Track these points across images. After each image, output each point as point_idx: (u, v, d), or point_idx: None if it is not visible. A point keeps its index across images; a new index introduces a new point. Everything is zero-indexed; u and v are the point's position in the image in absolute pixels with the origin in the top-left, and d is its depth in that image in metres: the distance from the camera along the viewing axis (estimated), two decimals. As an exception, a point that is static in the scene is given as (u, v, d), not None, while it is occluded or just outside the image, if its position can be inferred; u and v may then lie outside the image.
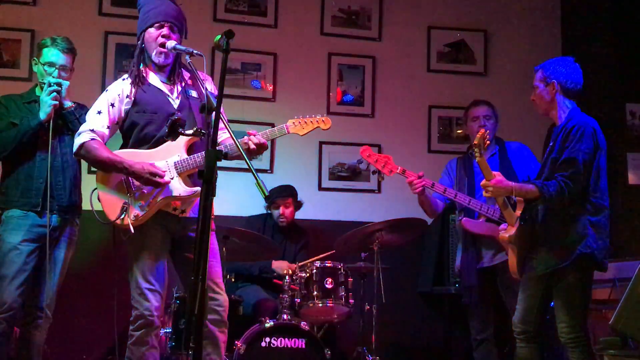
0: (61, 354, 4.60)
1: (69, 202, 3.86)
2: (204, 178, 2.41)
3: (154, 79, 3.41)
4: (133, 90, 3.35)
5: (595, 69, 5.80)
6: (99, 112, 3.33)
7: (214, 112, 2.56)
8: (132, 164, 3.21)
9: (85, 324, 4.95)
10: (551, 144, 3.67)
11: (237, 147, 2.85)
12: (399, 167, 4.24)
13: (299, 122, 3.52)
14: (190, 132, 3.22)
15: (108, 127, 3.33)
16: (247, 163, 2.75)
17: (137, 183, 3.26)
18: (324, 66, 5.84)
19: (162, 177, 3.22)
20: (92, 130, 3.29)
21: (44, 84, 3.80)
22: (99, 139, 3.29)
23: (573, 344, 3.50)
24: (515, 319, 3.72)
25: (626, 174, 5.68)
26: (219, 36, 2.65)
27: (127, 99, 3.34)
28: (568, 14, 6.19)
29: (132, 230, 3.19)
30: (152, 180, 3.20)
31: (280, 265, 4.88)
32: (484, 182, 3.67)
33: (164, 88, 3.40)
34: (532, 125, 5.66)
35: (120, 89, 3.36)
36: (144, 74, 3.39)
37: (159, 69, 3.41)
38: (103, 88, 5.31)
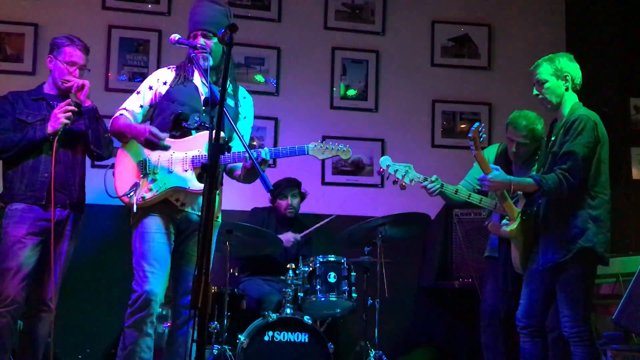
0: (65, 347, 4.61)
1: (78, 198, 3.88)
2: (207, 171, 2.41)
3: (197, 79, 3.49)
4: (174, 79, 3.46)
5: (599, 64, 5.78)
6: (138, 93, 3.51)
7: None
8: (136, 126, 3.35)
9: (89, 318, 4.97)
10: (553, 138, 3.66)
11: (243, 144, 2.86)
12: (421, 176, 4.04)
13: (320, 147, 3.47)
14: (193, 126, 3.25)
15: (141, 106, 3.48)
16: (252, 158, 2.76)
17: (153, 165, 3.33)
18: (327, 60, 5.84)
19: (159, 138, 3.26)
20: (124, 108, 3.47)
21: (62, 82, 3.81)
22: (128, 115, 3.45)
23: (577, 338, 3.50)
24: (519, 313, 3.72)
25: (630, 169, 5.68)
26: (223, 30, 2.65)
27: (164, 85, 3.46)
28: (572, 8, 6.18)
29: (135, 210, 3.28)
30: (151, 139, 3.25)
31: (286, 238, 4.91)
32: (481, 176, 3.67)
33: (203, 89, 3.45)
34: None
35: (162, 74, 3.52)
36: (191, 74, 3.49)
37: (205, 70, 3.38)
38: (107, 82, 5.37)
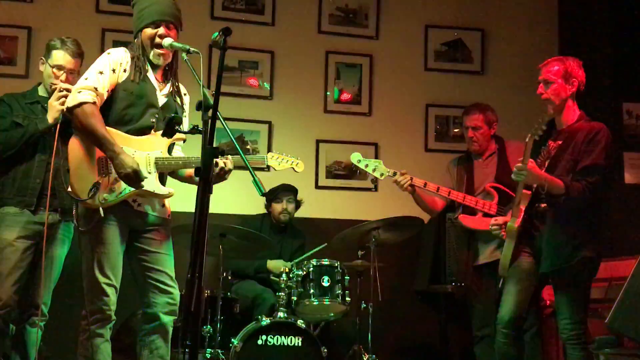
0: (57, 352, 4.58)
1: (69, 203, 3.84)
2: (201, 175, 2.41)
3: (149, 72, 3.38)
4: (129, 67, 3.29)
5: (592, 68, 5.77)
6: (101, 73, 3.22)
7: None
8: (122, 153, 3.10)
9: (79, 321, 4.94)
10: (560, 142, 3.66)
11: (236, 147, 2.85)
12: (390, 170, 4.27)
13: (277, 157, 3.61)
14: (186, 130, 3.22)
15: (107, 91, 3.23)
16: (244, 161, 2.75)
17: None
18: (321, 64, 5.84)
19: (142, 180, 3.14)
20: (95, 89, 3.17)
21: (51, 84, 3.80)
22: (98, 103, 3.18)
23: (575, 341, 3.55)
24: (504, 314, 3.73)
25: (622, 173, 5.69)
26: (217, 33, 2.64)
27: (124, 73, 3.28)
28: (565, 12, 6.20)
29: (102, 214, 3.12)
30: (134, 179, 3.11)
31: (275, 265, 4.88)
32: (520, 164, 3.56)
33: (155, 83, 3.38)
34: (529, 123, 5.66)
35: (123, 58, 3.30)
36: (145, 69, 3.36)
37: (154, 66, 3.39)
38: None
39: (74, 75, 3.87)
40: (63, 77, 3.82)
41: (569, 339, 3.56)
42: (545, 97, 3.71)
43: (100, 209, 3.12)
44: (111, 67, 3.25)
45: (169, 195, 3.32)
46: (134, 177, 3.11)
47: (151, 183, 3.25)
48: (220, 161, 3.21)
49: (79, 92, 3.15)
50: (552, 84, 3.68)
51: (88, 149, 3.19)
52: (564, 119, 3.72)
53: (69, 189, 3.16)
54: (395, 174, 4.24)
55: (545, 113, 3.63)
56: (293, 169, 3.65)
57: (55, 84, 3.78)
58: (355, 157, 4.36)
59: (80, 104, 3.13)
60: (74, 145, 3.20)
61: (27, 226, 3.73)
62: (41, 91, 3.93)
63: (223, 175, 3.27)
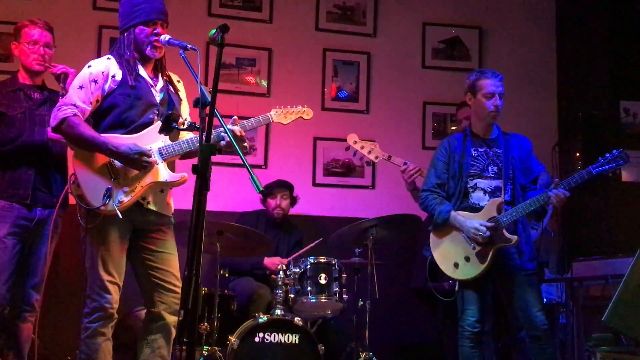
0: (54, 348, 4.58)
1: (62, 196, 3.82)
2: (198, 172, 2.40)
3: (140, 69, 3.37)
4: (120, 72, 3.29)
5: (589, 66, 5.80)
6: (81, 87, 3.24)
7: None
8: (118, 146, 3.12)
9: (76, 318, 4.93)
10: (500, 150, 3.85)
11: (232, 142, 2.84)
12: (385, 153, 4.41)
13: (282, 112, 3.60)
14: (184, 126, 3.21)
15: (90, 103, 3.24)
16: (242, 158, 2.74)
17: (119, 166, 3.18)
18: (318, 62, 5.84)
19: (150, 156, 3.17)
20: (74, 105, 3.19)
21: (31, 70, 3.77)
22: (81, 115, 3.20)
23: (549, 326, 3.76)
24: (473, 320, 3.81)
25: (620, 172, 5.69)
26: (214, 30, 2.64)
27: (113, 79, 3.27)
28: (563, 11, 6.20)
29: (120, 216, 3.13)
30: (141, 161, 3.13)
31: (272, 261, 4.88)
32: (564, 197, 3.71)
33: (149, 80, 3.38)
34: (526, 122, 5.68)
35: (105, 67, 3.28)
36: (137, 68, 3.35)
37: (144, 61, 3.38)
38: (97, 82, 5.34)
39: (50, 48, 3.83)
40: (40, 50, 3.79)
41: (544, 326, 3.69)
42: (499, 111, 3.88)
43: (118, 212, 3.13)
44: (91, 79, 3.25)
45: (182, 181, 3.31)
46: (142, 160, 3.14)
47: (162, 173, 3.26)
48: (236, 129, 3.23)
49: (58, 110, 3.20)
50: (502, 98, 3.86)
51: (90, 160, 3.21)
52: (490, 129, 3.94)
53: (82, 201, 3.16)
54: (390, 157, 4.42)
55: None
56: (302, 117, 3.64)
57: (54, 66, 3.75)
58: (352, 138, 4.47)
59: (62, 121, 3.17)
60: (77, 162, 3.21)
61: (17, 222, 3.69)
62: (22, 78, 3.89)
63: (241, 141, 3.28)
